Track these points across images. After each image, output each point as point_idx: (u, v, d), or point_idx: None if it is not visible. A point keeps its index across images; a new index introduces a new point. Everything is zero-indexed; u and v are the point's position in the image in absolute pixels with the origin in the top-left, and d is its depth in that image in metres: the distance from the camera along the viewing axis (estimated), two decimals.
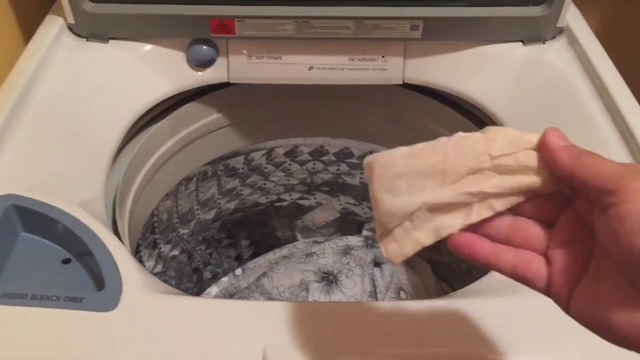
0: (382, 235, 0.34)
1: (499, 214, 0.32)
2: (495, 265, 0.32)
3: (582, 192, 0.29)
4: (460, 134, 0.32)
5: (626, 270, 0.27)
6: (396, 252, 0.33)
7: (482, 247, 0.32)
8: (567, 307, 0.30)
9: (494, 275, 0.49)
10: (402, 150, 0.33)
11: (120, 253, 0.47)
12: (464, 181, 0.31)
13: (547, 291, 0.31)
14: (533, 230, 0.32)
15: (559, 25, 0.66)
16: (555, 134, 0.30)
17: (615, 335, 0.28)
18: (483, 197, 0.31)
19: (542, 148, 0.30)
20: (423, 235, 0.32)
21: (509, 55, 0.67)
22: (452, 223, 0.32)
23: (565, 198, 0.31)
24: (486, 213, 0.32)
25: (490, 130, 0.32)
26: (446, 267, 0.93)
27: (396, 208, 0.32)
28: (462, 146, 0.31)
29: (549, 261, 0.31)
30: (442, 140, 0.32)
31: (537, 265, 0.31)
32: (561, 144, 0.29)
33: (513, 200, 0.31)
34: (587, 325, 0.29)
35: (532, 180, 0.31)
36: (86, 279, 0.47)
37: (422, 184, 0.32)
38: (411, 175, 0.32)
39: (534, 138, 0.31)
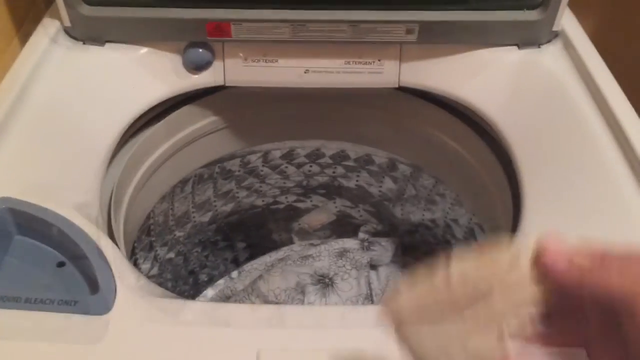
0: None
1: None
2: None
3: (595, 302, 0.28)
4: (455, 260, 0.32)
5: None
6: None
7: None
8: None
9: None
10: (404, 296, 0.32)
11: (114, 256, 0.47)
12: (480, 307, 0.31)
13: None
14: (568, 330, 0.31)
15: (554, 29, 0.67)
16: (552, 250, 0.28)
17: None
18: (504, 315, 0.31)
19: (540, 269, 0.29)
20: None
21: (504, 59, 0.67)
22: (488, 343, 0.31)
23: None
24: (514, 327, 0.31)
25: (485, 253, 0.31)
26: None
27: (428, 348, 0.32)
28: (463, 275, 0.31)
29: (589, 356, 0.30)
30: (440, 273, 0.32)
31: None
32: (561, 263, 0.28)
33: (535, 310, 0.31)
34: None
35: (542, 290, 0.30)
36: (80, 282, 0.47)
37: (441, 319, 0.31)
38: (424, 316, 0.32)
39: (529, 248, 0.30)
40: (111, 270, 0.46)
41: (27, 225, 0.49)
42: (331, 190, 0.98)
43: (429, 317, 0.32)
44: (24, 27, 0.69)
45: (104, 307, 0.43)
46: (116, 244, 0.52)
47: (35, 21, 0.67)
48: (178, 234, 0.89)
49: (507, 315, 0.31)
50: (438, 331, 0.32)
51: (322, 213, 1.01)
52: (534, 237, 0.30)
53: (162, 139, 0.74)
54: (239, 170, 0.91)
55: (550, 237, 0.29)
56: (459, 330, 0.31)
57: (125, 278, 0.46)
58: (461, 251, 0.32)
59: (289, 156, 0.91)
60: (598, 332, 0.30)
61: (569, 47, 0.67)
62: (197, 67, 0.68)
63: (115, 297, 0.44)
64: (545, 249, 0.28)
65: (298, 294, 0.86)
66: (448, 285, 0.31)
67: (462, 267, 0.31)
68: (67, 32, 0.66)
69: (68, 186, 0.55)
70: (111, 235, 0.58)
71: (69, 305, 0.43)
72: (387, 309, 0.33)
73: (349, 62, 0.69)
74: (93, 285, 0.46)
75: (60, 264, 0.49)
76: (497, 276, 0.30)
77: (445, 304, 0.31)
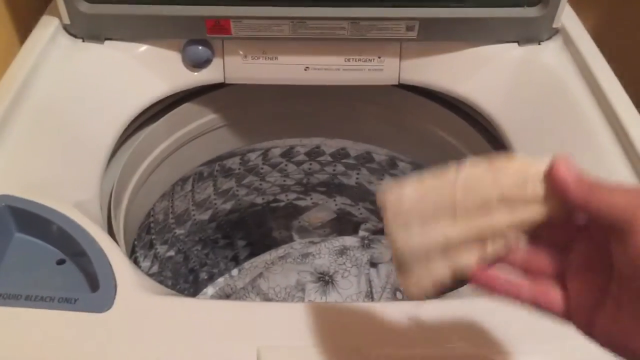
0: (400, 271, 0.34)
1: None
2: (515, 300, 0.32)
3: (596, 221, 0.29)
4: (468, 163, 0.32)
5: None
6: (416, 288, 0.33)
7: (500, 284, 0.32)
8: (589, 332, 0.30)
9: None
10: (411, 186, 0.33)
11: (114, 254, 0.47)
12: (475, 216, 0.31)
13: (567, 317, 0.31)
14: (549, 258, 0.32)
15: (554, 26, 0.67)
16: (564, 166, 0.29)
17: None
18: (495, 231, 0.31)
19: (552, 180, 0.30)
20: (440, 273, 0.33)
21: (505, 55, 0.67)
22: (467, 260, 0.32)
23: (580, 222, 0.31)
24: (500, 247, 0.32)
25: (497, 161, 0.32)
26: None
27: (410, 246, 0.33)
28: (470, 179, 0.31)
29: (566, 286, 0.31)
30: (451, 172, 0.32)
31: (555, 294, 0.31)
32: (572, 177, 0.29)
33: (525, 232, 0.31)
34: (611, 349, 0.29)
35: (543, 210, 0.30)
36: (81, 279, 0.47)
37: (434, 221, 0.32)
38: (422, 211, 0.32)
39: (541, 167, 0.30)
40: (111, 267, 0.46)
41: (27, 222, 0.49)
42: (331, 188, 0.98)
43: (425, 214, 0.32)
44: (24, 24, 0.69)
45: (104, 305, 0.43)
46: (116, 242, 0.52)
47: (35, 19, 0.67)
48: (178, 231, 0.89)
49: (498, 230, 0.31)
50: (427, 233, 0.32)
51: (322, 211, 1.01)
52: (547, 157, 0.30)
53: (162, 137, 0.74)
54: (239, 168, 0.91)
55: (563, 157, 0.30)
56: (447, 233, 0.32)
57: (126, 276, 0.46)
58: (474, 159, 0.32)
59: (289, 154, 0.91)
60: (582, 262, 0.31)
61: (569, 44, 0.67)
62: (196, 65, 0.68)
63: (115, 295, 0.44)
64: (559, 164, 0.29)
65: (298, 292, 0.86)
66: (452, 186, 0.31)
67: (470, 172, 0.32)
68: (67, 29, 0.66)
69: (68, 184, 0.54)
70: (111, 233, 0.58)
71: (69, 302, 0.43)
72: (389, 195, 0.33)
73: (349, 59, 0.69)
74: (93, 283, 0.46)
75: (61, 262, 0.49)
76: (502, 188, 0.31)
77: (444, 204, 0.32)
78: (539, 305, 0.32)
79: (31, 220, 0.49)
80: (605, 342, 0.29)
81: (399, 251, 0.33)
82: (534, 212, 0.31)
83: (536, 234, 0.32)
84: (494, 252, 0.32)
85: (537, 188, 0.30)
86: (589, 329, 0.30)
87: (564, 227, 0.31)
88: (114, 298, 0.44)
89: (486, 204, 0.31)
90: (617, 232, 0.27)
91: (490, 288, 0.32)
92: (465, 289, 0.48)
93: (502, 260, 0.32)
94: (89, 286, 0.46)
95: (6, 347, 0.41)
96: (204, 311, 0.45)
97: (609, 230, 0.28)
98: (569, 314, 0.31)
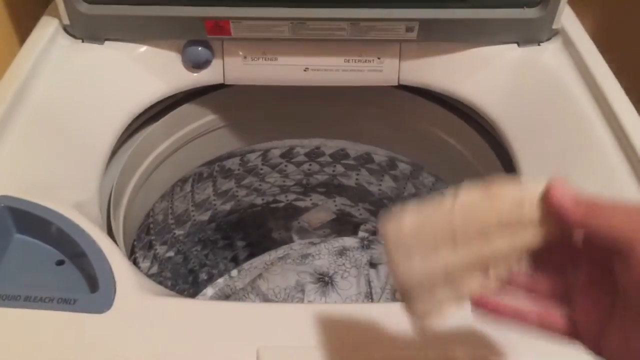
0: (404, 301, 0.34)
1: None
2: (521, 324, 0.32)
3: (597, 243, 0.29)
4: (464, 190, 0.32)
5: None
6: (422, 317, 0.34)
7: (506, 311, 0.32)
8: (598, 352, 0.30)
9: None
10: (409, 215, 0.33)
11: (114, 255, 0.47)
12: (474, 243, 0.31)
13: (574, 337, 0.31)
14: (553, 279, 0.32)
15: (554, 27, 0.67)
16: (560, 189, 0.29)
17: None
18: (496, 256, 0.31)
19: (548, 204, 0.29)
20: (445, 301, 0.33)
21: (504, 56, 0.67)
22: (471, 287, 0.32)
23: (579, 244, 0.31)
24: (502, 272, 0.32)
25: (492, 187, 0.32)
26: None
27: (413, 276, 0.33)
28: (467, 207, 0.32)
29: (572, 307, 0.31)
30: (448, 200, 0.32)
31: (561, 316, 0.31)
32: (568, 200, 0.29)
33: (526, 255, 0.32)
34: None
35: (542, 232, 0.30)
36: (80, 280, 0.47)
37: (434, 249, 0.32)
38: (422, 241, 0.32)
39: (537, 189, 0.30)
40: (111, 268, 0.46)
41: (27, 223, 0.49)
42: (331, 189, 0.98)
43: (425, 243, 0.32)
44: (23, 25, 0.69)
45: (104, 306, 0.43)
46: (115, 243, 0.52)
47: (34, 19, 0.67)
48: (178, 232, 0.89)
49: (499, 256, 0.31)
50: (428, 262, 0.32)
51: (321, 212, 1.01)
52: (543, 179, 0.30)
53: (161, 137, 0.74)
54: (238, 169, 0.91)
55: (559, 178, 0.30)
56: (448, 262, 0.32)
57: (125, 276, 0.46)
58: (470, 184, 0.32)
59: (288, 155, 0.91)
60: (586, 281, 0.30)
61: (569, 45, 0.67)
62: (196, 65, 0.68)
63: (114, 296, 0.44)
64: (555, 186, 0.29)
65: (298, 293, 0.86)
66: (450, 214, 0.32)
67: (466, 200, 0.32)
68: (66, 30, 0.66)
69: (67, 184, 0.54)
70: (110, 234, 0.58)
71: (69, 303, 0.43)
72: (388, 225, 0.33)
73: (348, 60, 0.69)
74: (92, 284, 0.46)
75: (60, 262, 0.49)
76: (499, 214, 0.31)
77: (443, 233, 0.32)
78: (546, 328, 0.31)
79: (31, 221, 0.49)
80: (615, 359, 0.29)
81: (401, 281, 0.33)
82: (533, 234, 0.31)
83: (538, 256, 0.31)
84: (497, 277, 0.32)
85: (534, 211, 0.30)
86: (598, 349, 0.30)
87: (566, 247, 0.31)
88: (113, 299, 0.44)
89: (485, 229, 0.31)
90: (618, 252, 0.27)
91: (497, 315, 0.32)
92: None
93: (505, 285, 0.32)
94: (89, 287, 0.46)
95: (6, 348, 0.41)
96: (204, 312, 0.45)
97: (610, 251, 0.28)
98: (576, 335, 0.31)
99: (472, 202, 0.32)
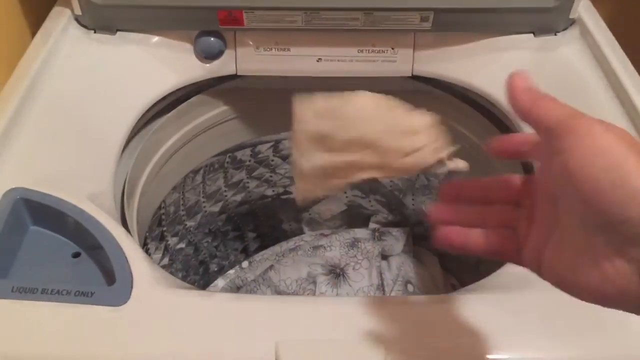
0: (297, 178, 0.39)
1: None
2: (472, 247, 0.35)
3: (539, 135, 0.30)
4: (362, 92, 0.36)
5: (583, 218, 0.27)
6: (307, 196, 0.39)
7: (457, 234, 0.35)
8: (539, 272, 0.32)
9: (504, 270, 0.49)
10: (319, 101, 0.37)
11: (130, 247, 0.47)
12: (371, 142, 0.36)
13: (519, 260, 0.33)
14: (502, 210, 0.35)
15: (570, 16, 0.66)
16: (520, 77, 0.31)
17: (587, 294, 0.28)
18: (388, 153, 0.36)
19: (506, 89, 0.32)
20: (336, 187, 0.38)
21: (520, 47, 0.66)
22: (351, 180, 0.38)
23: (528, 179, 0.34)
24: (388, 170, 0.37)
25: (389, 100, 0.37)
26: (453, 261, 0.92)
27: (312, 163, 0.37)
28: (367, 108, 0.36)
29: (519, 233, 0.33)
30: (352, 96, 0.37)
31: (509, 240, 0.34)
32: (522, 85, 0.31)
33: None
34: (561, 287, 0.30)
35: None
36: (96, 273, 0.47)
37: (334, 142, 0.36)
38: (324, 130, 0.36)
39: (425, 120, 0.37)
40: (127, 261, 0.46)
41: (42, 216, 0.49)
42: None
43: (327, 135, 0.36)
44: (35, 16, 0.69)
45: (121, 299, 0.43)
46: (130, 234, 0.52)
47: (46, 10, 0.67)
48: (189, 224, 0.89)
49: (390, 154, 0.36)
50: (327, 155, 0.37)
51: (332, 203, 1.00)
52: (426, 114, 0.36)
53: (173, 129, 0.73)
54: (249, 160, 0.90)
55: (521, 71, 0.32)
56: (348, 161, 0.37)
57: (141, 269, 0.46)
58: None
59: None
60: (530, 211, 0.33)
61: (586, 34, 0.66)
62: (208, 56, 0.67)
63: (132, 289, 0.44)
64: (515, 74, 0.32)
65: (309, 284, 0.86)
66: (352, 112, 0.36)
67: (366, 101, 0.36)
68: (78, 20, 0.66)
69: (82, 176, 0.54)
70: (124, 226, 0.57)
71: (86, 296, 0.43)
72: (299, 105, 0.37)
73: (362, 51, 0.68)
74: (109, 276, 0.46)
75: (76, 255, 0.49)
76: (394, 120, 0.36)
77: (346, 126, 0.36)
78: (495, 252, 0.34)
79: (46, 213, 0.49)
80: (554, 280, 0.30)
81: (300, 164, 0.38)
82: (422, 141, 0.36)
83: (486, 194, 0.36)
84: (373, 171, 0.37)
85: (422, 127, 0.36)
86: (539, 269, 0.31)
87: (513, 185, 0.35)
88: (130, 292, 0.44)
89: (378, 134, 0.36)
90: (554, 144, 0.28)
91: (449, 239, 0.35)
92: (476, 286, 0.48)
93: (459, 217, 0.35)
94: (105, 279, 0.46)
95: (24, 341, 0.41)
96: (221, 305, 0.45)
97: (549, 144, 0.29)
98: (520, 258, 0.33)
99: (371, 104, 0.36)
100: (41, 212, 0.49)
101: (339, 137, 0.36)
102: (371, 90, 0.37)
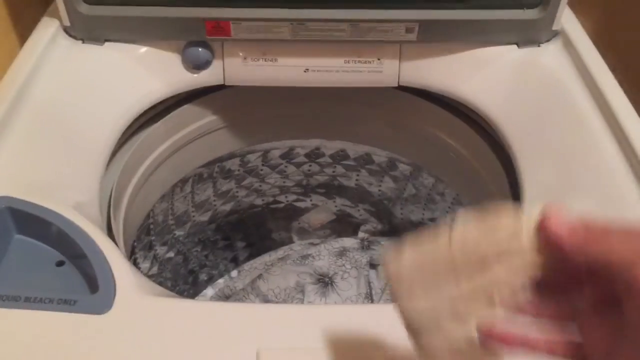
0: (413, 340, 0.34)
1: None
2: (530, 352, 0.32)
3: (598, 269, 0.28)
4: (459, 223, 0.32)
5: None
6: (433, 350, 0.33)
7: (513, 340, 0.32)
8: None
9: None
10: (408, 253, 0.33)
11: (114, 256, 0.47)
12: (476, 275, 0.31)
13: None
14: (559, 304, 0.32)
15: (554, 28, 0.67)
16: (555, 218, 0.29)
17: None
18: (498, 286, 0.31)
19: (544, 235, 0.29)
20: (453, 336, 0.32)
21: (504, 57, 0.67)
22: (478, 319, 0.32)
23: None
24: (507, 301, 0.32)
25: (488, 218, 0.32)
26: None
27: (418, 313, 0.33)
28: (465, 240, 0.31)
29: (579, 329, 0.31)
30: (444, 234, 0.32)
31: (570, 342, 0.31)
32: (564, 229, 0.28)
33: (530, 281, 0.31)
34: None
35: (541, 259, 0.30)
36: (80, 281, 0.47)
37: (436, 285, 0.32)
38: (423, 278, 0.32)
39: (532, 217, 0.30)
40: (110, 269, 0.46)
41: (27, 224, 0.49)
42: (331, 190, 0.98)
43: (427, 280, 0.32)
44: (24, 26, 0.69)
45: (104, 307, 0.43)
46: (115, 243, 0.52)
47: (35, 20, 0.67)
48: (178, 233, 0.89)
49: (502, 284, 0.31)
50: (431, 296, 0.32)
51: (321, 212, 1.01)
52: (538, 206, 0.30)
53: (161, 138, 0.74)
54: (238, 170, 0.91)
55: (554, 206, 0.29)
56: (452, 296, 0.32)
57: (125, 277, 0.46)
58: (465, 215, 0.32)
59: (288, 155, 0.91)
60: (591, 305, 0.30)
61: (569, 46, 0.67)
62: (196, 66, 0.68)
63: (114, 297, 0.44)
64: (550, 215, 0.29)
65: (298, 293, 0.86)
66: (448, 249, 0.31)
67: (464, 232, 0.32)
68: (67, 31, 0.66)
69: (68, 185, 0.55)
70: (111, 235, 0.57)
71: (69, 304, 0.43)
72: (389, 266, 0.33)
73: (348, 61, 0.69)
74: (92, 285, 0.46)
75: (60, 263, 0.49)
76: (497, 244, 0.31)
77: (444, 268, 0.32)
78: (554, 354, 0.31)
79: (31, 222, 0.49)
80: None
81: (408, 319, 0.33)
82: (532, 262, 0.30)
83: (542, 281, 0.31)
84: (501, 306, 0.32)
85: (531, 240, 0.30)
86: None
87: (569, 271, 0.30)
88: (113, 300, 0.44)
89: (484, 260, 0.31)
90: (619, 277, 0.26)
91: (505, 345, 0.32)
92: None
93: (512, 313, 0.32)
94: (89, 288, 0.46)
95: (5, 349, 0.41)
96: (204, 313, 0.45)
97: (612, 276, 0.27)
98: (584, 358, 0.30)
99: (468, 234, 0.31)
100: (26, 221, 0.49)
101: (457, 266, 0.31)
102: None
